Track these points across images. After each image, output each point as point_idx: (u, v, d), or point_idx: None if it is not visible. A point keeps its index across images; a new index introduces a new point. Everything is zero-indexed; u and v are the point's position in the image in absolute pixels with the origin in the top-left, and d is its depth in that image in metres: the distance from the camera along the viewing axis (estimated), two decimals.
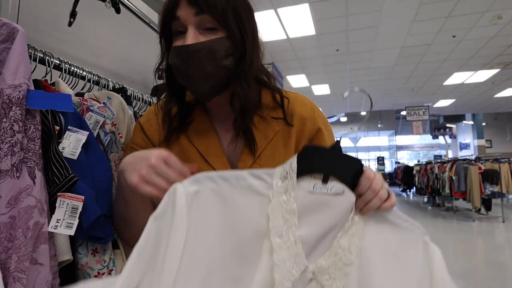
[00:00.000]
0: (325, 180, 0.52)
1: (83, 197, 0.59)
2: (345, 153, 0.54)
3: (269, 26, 4.52)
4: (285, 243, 0.52)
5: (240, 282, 0.51)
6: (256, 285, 0.51)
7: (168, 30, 0.65)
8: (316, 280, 0.54)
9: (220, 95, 0.67)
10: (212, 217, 0.51)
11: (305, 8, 4.09)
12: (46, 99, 0.56)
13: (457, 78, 7.50)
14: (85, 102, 0.76)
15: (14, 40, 0.53)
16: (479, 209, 6.59)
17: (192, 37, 0.61)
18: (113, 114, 0.82)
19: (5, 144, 0.50)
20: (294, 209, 0.52)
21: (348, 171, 0.53)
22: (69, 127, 0.64)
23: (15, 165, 0.50)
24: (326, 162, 0.53)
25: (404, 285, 0.54)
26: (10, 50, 0.53)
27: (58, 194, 0.57)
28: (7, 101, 0.50)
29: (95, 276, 0.67)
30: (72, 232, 0.57)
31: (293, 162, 0.53)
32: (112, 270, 0.70)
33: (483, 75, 7.29)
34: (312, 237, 0.54)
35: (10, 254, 0.48)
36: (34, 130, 0.54)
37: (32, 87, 0.55)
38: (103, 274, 0.68)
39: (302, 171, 0.53)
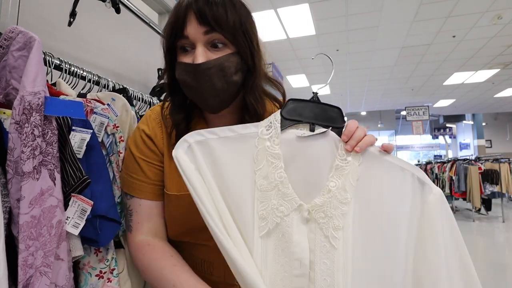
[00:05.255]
0: (312, 128, 0.58)
1: (92, 202, 0.62)
2: (324, 102, 0.61)
3: (269, 26, 4.51)
4: (270, 184, 0.55)
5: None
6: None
7: (173, 45, 0.65)
8: (315, 221, 0.55)
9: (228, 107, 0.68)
10: (215, 164, 0.56)
11: (305, 8, 4.08)
12: (61, 106, 0.59)
13: (457, 78, 7.49)
14: (88, 104, 0.77)
15: (31, 48, 0.57)
16: (479, 209, 6.59)
17: (201, 55, 0.60)
18: (117, 116, 0.83)
19: (27, 148, 0.53)
20: (279, 153, 0.56)
21: (330, 116, 0.60)
22: (73, 127, 0.67)
23: (36, 167, 0.54)
24: (309, 111, 0.59)
25: (395, 219, 0.55)
26: (28, 59, 0.56)
27: (72, 194, 0.60)
28: (28, 107, 0.54)
29: (96, 276, 0.67)
30: (76, 232, 0.60)
31: (277, 113, 0.58)
32: (114, 269, 0.70)
33: (483, 75, 7.28)
34: (303, 179, 0.57)
35: (31, 252, 0.51)
36: (52, 135, 0.57)
37: (48, 94, 0.58)
38: (105, 273, 0.68)
39: (288, 121, 0.58)
